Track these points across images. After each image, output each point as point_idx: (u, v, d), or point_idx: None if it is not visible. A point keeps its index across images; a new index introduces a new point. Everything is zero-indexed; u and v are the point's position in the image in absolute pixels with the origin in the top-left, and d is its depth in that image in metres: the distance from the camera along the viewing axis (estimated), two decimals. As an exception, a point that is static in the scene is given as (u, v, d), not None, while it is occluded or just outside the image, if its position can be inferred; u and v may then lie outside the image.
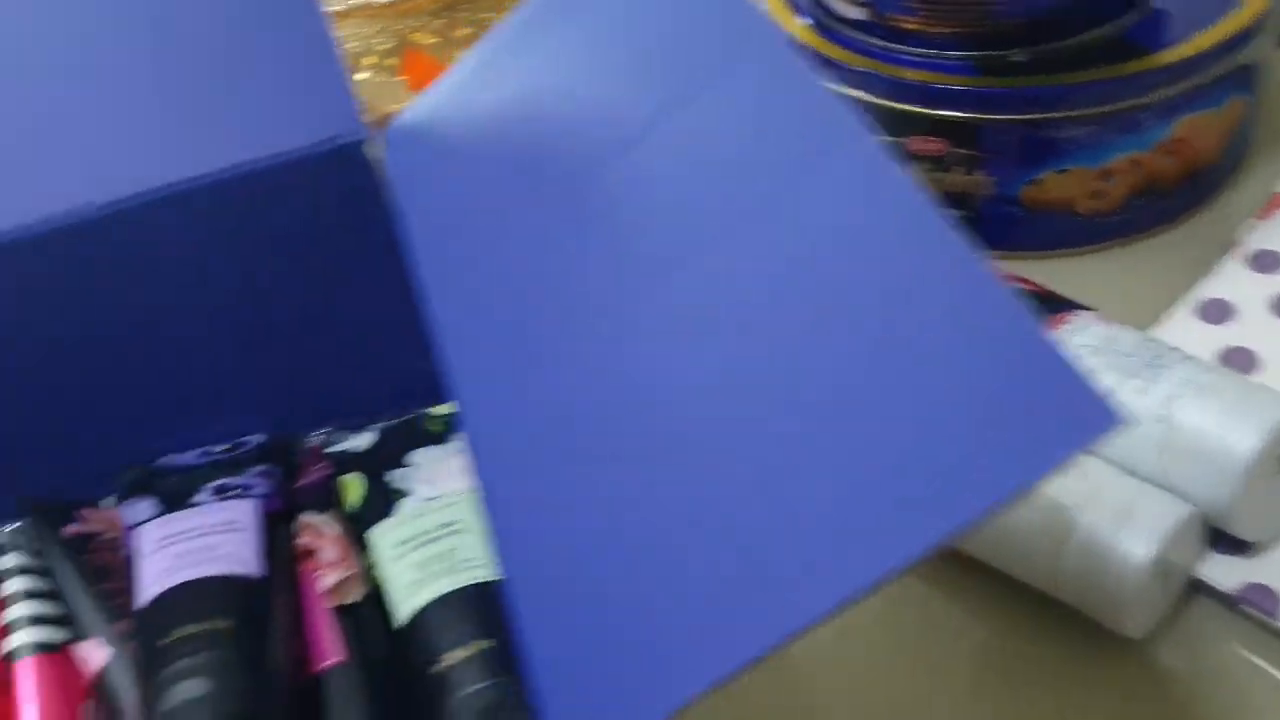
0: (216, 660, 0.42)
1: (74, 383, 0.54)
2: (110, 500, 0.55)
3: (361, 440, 0.56)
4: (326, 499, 0.53)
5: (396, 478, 0.53)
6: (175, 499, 0.51)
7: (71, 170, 0.50)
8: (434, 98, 0.52)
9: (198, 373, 0.55)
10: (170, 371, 0.55)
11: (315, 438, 0.57)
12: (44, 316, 0.51)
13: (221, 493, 0.51)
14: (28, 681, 0.47)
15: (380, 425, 0.57)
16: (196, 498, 0.51)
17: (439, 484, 0.52)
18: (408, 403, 0.58)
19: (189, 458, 0.55)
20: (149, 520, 0.50)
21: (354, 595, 0.48)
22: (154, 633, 0.44)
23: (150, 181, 0.49)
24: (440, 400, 0.57)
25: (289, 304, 0.53)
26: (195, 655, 0.42)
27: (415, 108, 0.52)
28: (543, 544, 0.36)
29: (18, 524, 0.52)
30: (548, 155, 0.42)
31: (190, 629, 0.43)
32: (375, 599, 0.48)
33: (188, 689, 0.41)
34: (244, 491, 0.51)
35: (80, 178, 0.50)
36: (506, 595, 0.37)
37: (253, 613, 0.44)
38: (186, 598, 0.45)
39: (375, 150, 0.50)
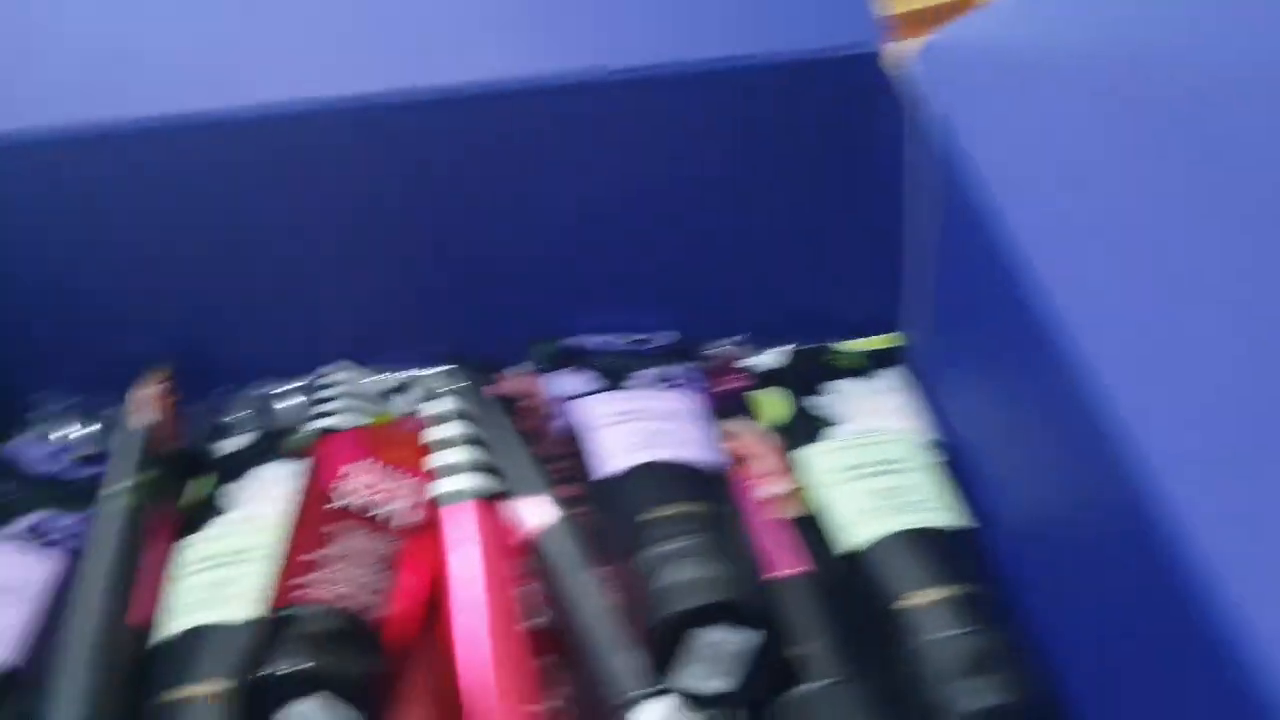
0: (704, 545, 0.41)
1: (506, 245, 0.53)
2: (522, 369, 0.54)
3: (768, 359, 0.55)
4: (745, 410, 0.51)
5: (818, 405, 0.52)
6: (613, 379, 0.50)
7: (585, 32, 0.49)
8: (982, 18, 0.49)
9: (625, 259, 0.54)
10: (599, 252, 0.54)
11: (719, 347, 0.56)
12: (515, 171, 0.51)
13: (663, 381, 0.50)
14: (466, 525, 0.47)
15: (787, 349, 0.56)
16: (630, 382, 0.50)
17: (869, 419, 0.51)
18: (816, 332, 0.56)
19: (599, 341, 0.54)
20: (590, 394, 0.49)
21: (794, 510, 0.47)
22: (628, 507, 0.43)
23: (663, 55, 0.48)
24: (847, 334, 0.56)
25: (751, 205, 0.52)
26: (678, 538, 0.41)
27: (960, 26, 0.50)
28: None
29: (448, 369, 0.52)
30: (1159, 89, 0.40)
31: (669, 510, 0.42)
32: (810, 519, 0.47)
33: (679, 570, 0.40)
34: (686, 384, 0.50)
35: (594, 42, 0.49)
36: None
37: (719, 503, 0.43)
38: (660, 478, 0.44)
39: (894, 62, 0.48)
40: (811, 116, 0.49)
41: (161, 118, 0.48)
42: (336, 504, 0.45)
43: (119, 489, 0.47)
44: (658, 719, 0.41)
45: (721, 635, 0.39)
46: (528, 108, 0.49)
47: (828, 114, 0.49)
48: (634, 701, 0.41)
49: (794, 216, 0.53)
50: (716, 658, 0.39)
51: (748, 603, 0.39)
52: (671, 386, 0.49)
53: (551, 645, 0.44)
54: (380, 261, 0.54)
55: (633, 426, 0.46)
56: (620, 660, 0.42)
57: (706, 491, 0.44)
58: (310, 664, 0.38)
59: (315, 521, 0.44)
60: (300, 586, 0.41)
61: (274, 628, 0.40)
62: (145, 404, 0.51)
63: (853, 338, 0.56)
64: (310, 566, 0.42)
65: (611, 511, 0.44)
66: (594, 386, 0.49)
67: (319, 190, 0.51)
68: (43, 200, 0.51)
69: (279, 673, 0.38)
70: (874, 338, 0.56)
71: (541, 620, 0.45)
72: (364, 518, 0.45)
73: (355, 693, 0.38)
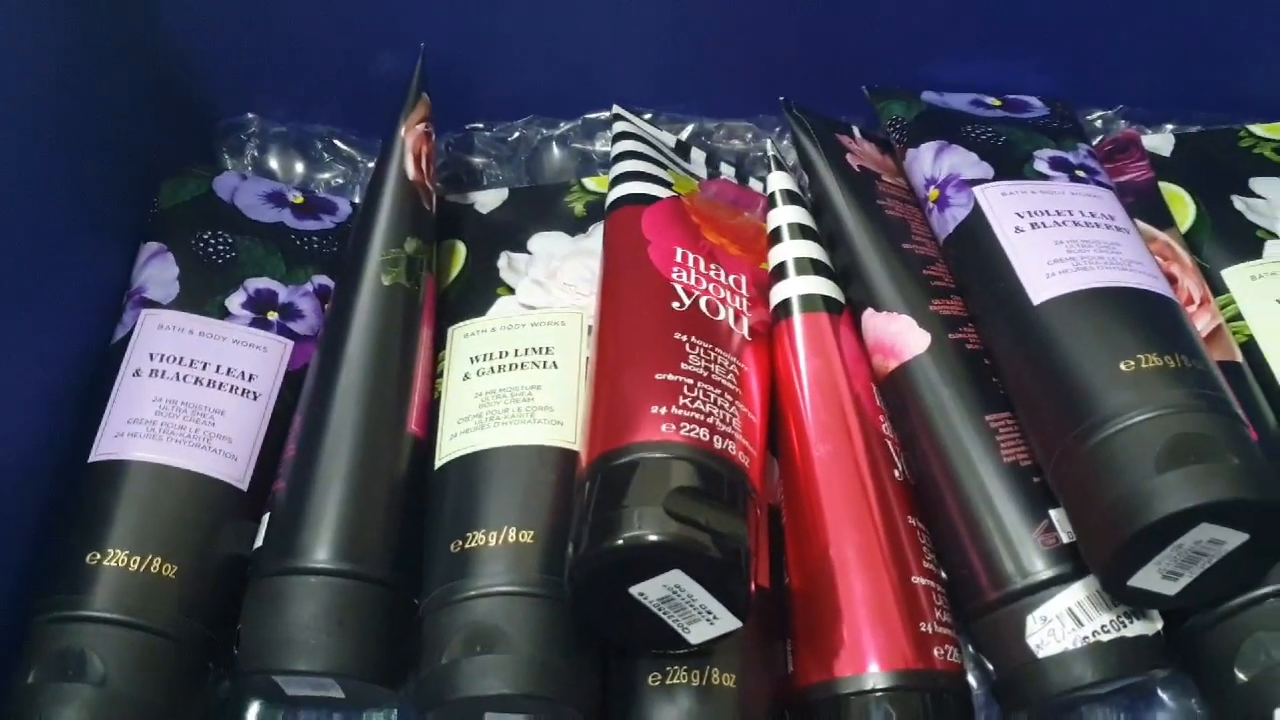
0: (1204, 421, 0.31)
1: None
2: (855, 128, 0.43)
3: (1161, 141, 0.43)
4: (1155, 207, 0.41)
5: (1245, 208, 0.41)
6: (1003, 161, 0.39)
7: None
8: None
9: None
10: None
11: (1097, 119, 0.45)
12: None
13: (1066, 169, 0.39)
14: (823, 343, 0.37)
15: (1185, 130, 0.44)
16: (1033, 165, 0.39)
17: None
18: (1209, 108, 0.45)
19: (965, 101, 0.43)
20: (983, 182, 0.38)
21: (1229, 354, 0.37)
22: (1063, 352, 0.33)
23: None
24: (1248, 115, 0.44)
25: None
26: (1158, 407, 0.31)
27: None
28: None
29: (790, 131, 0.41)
30: None
31: (1131, 362, 0.32)
32: (1237, 366, 0.38)
33: (1183, 454, 0.30)
34: (1091, 176, 0.39)
35: None
36: None
37: (1186, 353, 0.33)
38: (1111, 316, 0.33)
39: None
40: None
41: None
42: (687, 302, 0.36)
43: (386, 259, 0.38)
44: (1068, 611, 0.33)
45: (1215, 533, 0.30)
46: None
47: None
48: (1041, 584, 0.34)
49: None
50: (1193, 557, 0.31)
51: (1267, 500, 0.30)
52: (1081, 180, 0.38)
53: (923, 504, 0.36)
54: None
55: (1055, 235, 0.36)
56: (1022, 531, 0.34)
57: (1176, 336, 0.33)
58: (698, 538, 0.29)
59: (666, 325, 0.34)
60: (668, 418, 0.32)
61: (627, 471, 0.31)
62: (412, 144, 0.40)
63: (1255, 120, 0.44)
64: (672, 391, 0.32)
65: (1035, 351, 0.34)
66: (980, 168, 0.38)
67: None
68: None
69: (649, 539, 0.29)
70: (1281, 123, 0.44)
71: (907, 473, 0.36)
72: (716, 321, 0.36)
73: (733, 571, 0.30)
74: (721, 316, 0.36)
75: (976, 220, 0.37)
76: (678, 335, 0.34)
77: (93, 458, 0.35)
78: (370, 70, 0.44)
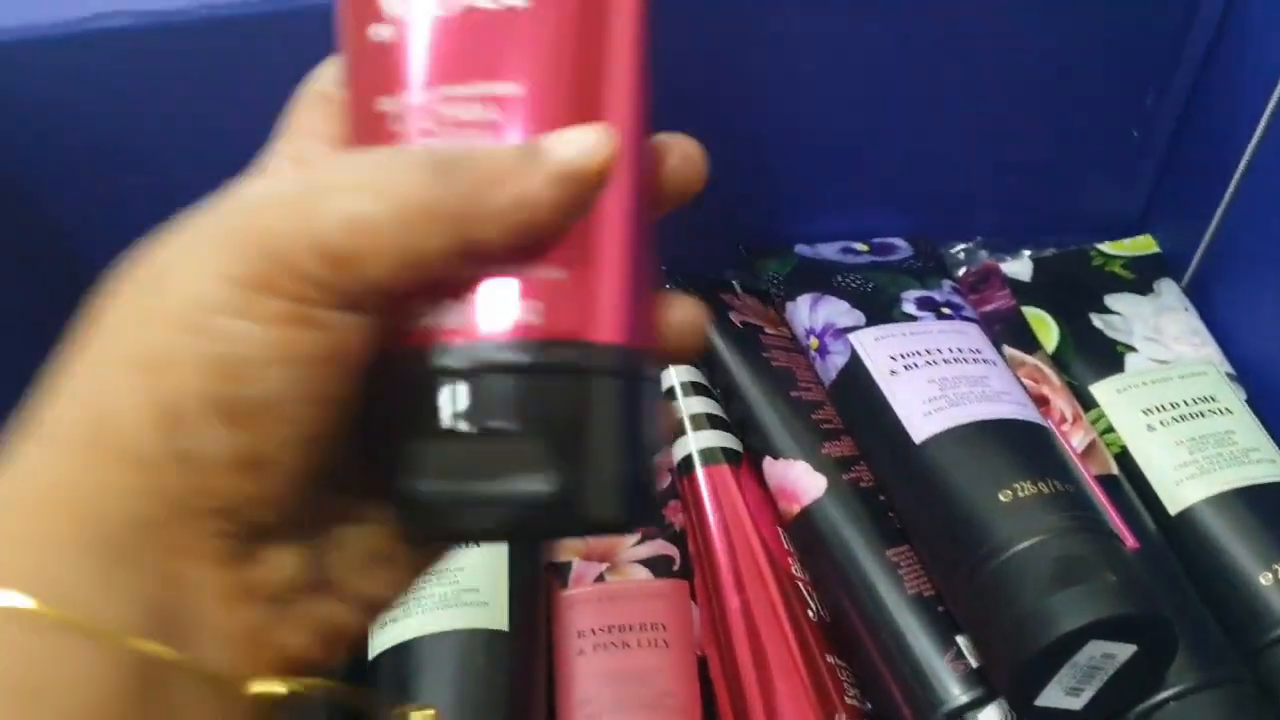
0: (1084, 542, 0.33)
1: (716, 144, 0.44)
2: (736, 283, 0.45)
3: (1018, 267, 0.47)
4: (1021, 333, 0.44)
5: (1104, 324, 0.44)
6: (873, 307, 0.41)
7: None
8: None
9: (851, 151, 0.45)
10: (824, 143, 0.44)
11: (959, 251, 0.48)
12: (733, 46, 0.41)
13: (932, 308, 0.42)
14: (726, 494, 0.39)
15: (1038, 254, 0.47)
16: (901, 308, 0.41)
17: (1164, 344, 0.43)
18: (1054, 233, 0.48)
19: (834, 251, 0.46)
20: (857, 329, 0.40)
21: (1105, 467, 0.40)
22: (950, 485, 0.35)
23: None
24: (1087, 236, 0.48)
25: (1012, 83, 0.43)
26: (1043, 532, 0.34)
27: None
28: None
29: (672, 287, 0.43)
30: None
31: (1011, 491, 0.35)
32: (1114, 478, 0.40)
33: (1068, 574, 0.32)
34: (956, 312, 0.42)
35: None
36: None
37: (1063, 478, 0.36)
38: (988, 447, 0.36)
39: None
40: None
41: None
42: None
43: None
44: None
45: (1105, 648, 0.32)
46: None
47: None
48: (959, 710, 0.35)
49: (1052, 97, 0.45)
50: (1089, 671, 0.33)
51: (1146, 613, 0.32)
52: (945, 317, 0.41)
53: (833, 641, 0.38)
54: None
55: (928, 374, 0.38)
56: (934, 660, 0.36)
57: (1046, 462, 0.36)
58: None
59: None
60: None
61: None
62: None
63: (1093, 240, 0.48)
64: None
65: (920, 488, 0.36)
66: (852, 315, 0.41)
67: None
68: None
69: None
70: (1126, 241, 0.48)
71: (821, 611, 0.38)
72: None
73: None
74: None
75: (855, 365, 0.39)
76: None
77: None
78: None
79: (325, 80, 0.22)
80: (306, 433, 0.18)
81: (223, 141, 0.43)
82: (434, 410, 0.19)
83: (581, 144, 0.19)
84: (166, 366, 0.18)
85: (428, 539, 0.21)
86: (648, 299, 0.20)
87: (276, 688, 0.19)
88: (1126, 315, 0.44)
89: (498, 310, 0.19)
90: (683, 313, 0.21)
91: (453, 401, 0.19)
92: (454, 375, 0.19)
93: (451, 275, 0.18)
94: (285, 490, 0.18)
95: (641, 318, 0.20)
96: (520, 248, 0.19)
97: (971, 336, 0.40)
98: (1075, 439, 0.40)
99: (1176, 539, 0.39)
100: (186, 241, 0.18)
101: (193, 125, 0.41)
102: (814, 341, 0.41)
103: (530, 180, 0.18)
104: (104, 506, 0.17)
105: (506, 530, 0.21)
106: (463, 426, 0.19)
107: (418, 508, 0.19)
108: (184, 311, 0.18)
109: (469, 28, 0.19)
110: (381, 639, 0.37)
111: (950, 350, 0.39)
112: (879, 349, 0.39)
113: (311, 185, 0.18)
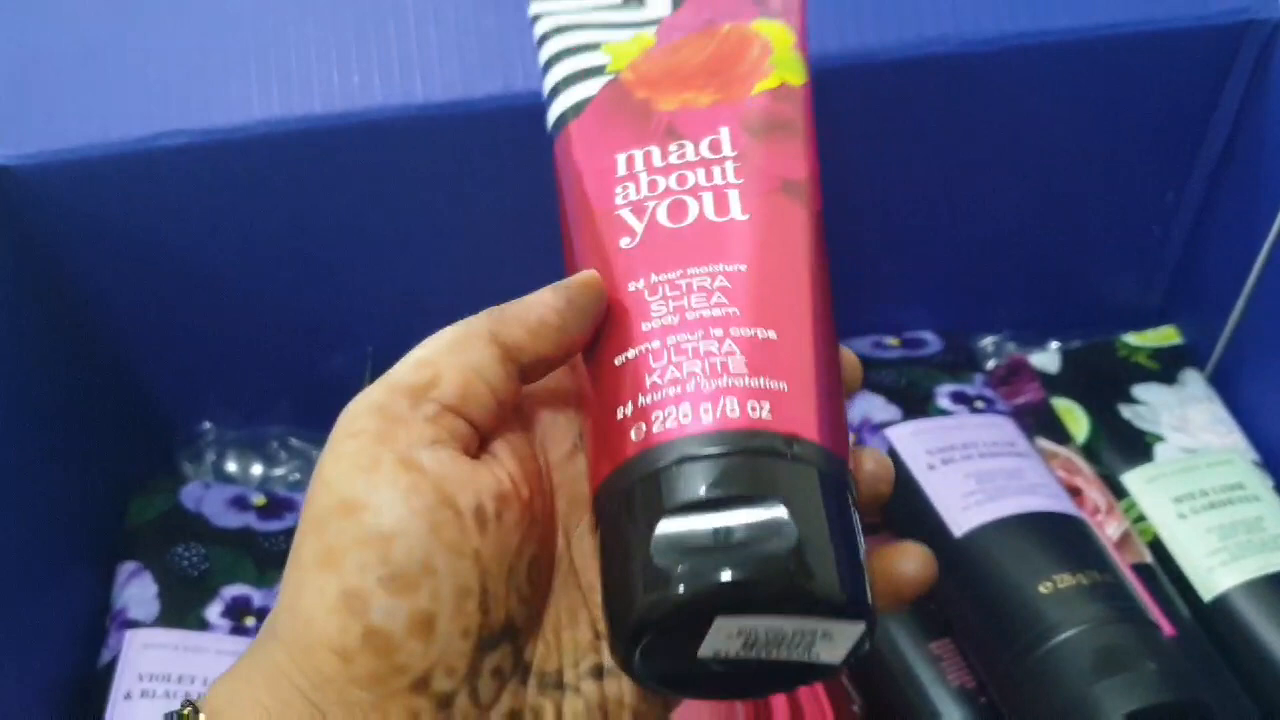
0: (1123, 632, 0.34)
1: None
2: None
3: (1046, 359, 0.48)
4: (1052, 425, 0.45)
5: (1132, 415, 0.45)
6: (909, 402, 0.43)
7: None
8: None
9: (877, 247, 0.47)
10: (856, 243, 0.46)
11: (987, 344, 0.49)
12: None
13: (965, 402, 0.43)
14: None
15: (1065, 346, 0.49)
16: (935, 403, 0.43)
17: (1191, 433, 0.44)
18: (1079, 325, 0.50)
19: (864, 346, 0.47)
20: (893, 424, 0.42)
21: (1139, 556, 0.41)
22: (987, 580, 0.37)
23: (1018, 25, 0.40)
24: (1112, 328, 0.49)
25: (1034, 184, 0.45)
26: (1083, 623, 0.35)
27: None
28: None
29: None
30: None
31: (1067, 579, 0.36)
32: (1147, 566, 0.41)
33: (1109, 665, 0.33)
34: (989, 405, 0.43)
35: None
36: None
37: (1101, 567, 0.37)
38: (1026, 540, 0.37)
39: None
40: (1175, 83, 0.42)
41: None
42: (639, 230, 0.27)
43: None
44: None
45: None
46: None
47: (1168, 87, 0.42)
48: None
49: (1075, 194, 0.46)
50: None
51: (1187, 700, 0.33)
52: (978, 411, 0.42)
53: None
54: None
55: (965, 469, 0.39)
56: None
57: (1084, 553, 0.37)
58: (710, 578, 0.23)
59: (620, 280, 0.27)
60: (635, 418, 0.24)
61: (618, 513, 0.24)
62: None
63: (1117, 331, 0.49)
64: (635, 376, 0.25)
65: (961, 582, 0.37)
66: (888, 410, 0.42)
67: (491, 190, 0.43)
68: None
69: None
70: (1149, 332, 0.49)
71: (863, 704, 0.39)
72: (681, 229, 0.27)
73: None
74: (691, 217, 0.26)
75: (893, 460, 0.40)
76: (633, 286, 0.25)
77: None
78: (319, 372, 0.47)
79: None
80: (462, 585, 0.22)
81: (277, 253, 0.46)
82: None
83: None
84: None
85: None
86: (844, 425, 0.25)
87: None
88: (1153, 405, 0.46)
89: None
90: (873, 463, 0.26)
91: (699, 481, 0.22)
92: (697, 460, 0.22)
93: None
94: (460, 648, 0.22)
95: (843, 433, 0.24)
96: None
97: (1006, 430, 0.42)
98: (1110, 529, 0.41)
99: (1210, 625, 0.39)
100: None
101: (246, 238, 0.43)
102: (852, 437, 0.42)
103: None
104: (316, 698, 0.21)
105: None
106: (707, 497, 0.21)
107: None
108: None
109: None
110: None
111: (986, 444, 0.41)
112: (916, 444, 0.41)
113: None
